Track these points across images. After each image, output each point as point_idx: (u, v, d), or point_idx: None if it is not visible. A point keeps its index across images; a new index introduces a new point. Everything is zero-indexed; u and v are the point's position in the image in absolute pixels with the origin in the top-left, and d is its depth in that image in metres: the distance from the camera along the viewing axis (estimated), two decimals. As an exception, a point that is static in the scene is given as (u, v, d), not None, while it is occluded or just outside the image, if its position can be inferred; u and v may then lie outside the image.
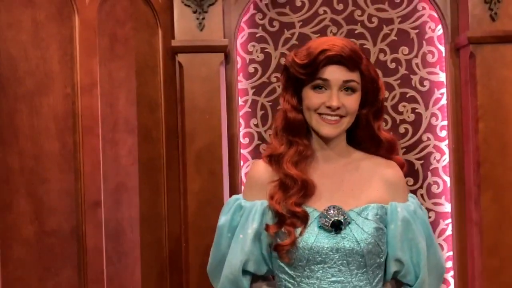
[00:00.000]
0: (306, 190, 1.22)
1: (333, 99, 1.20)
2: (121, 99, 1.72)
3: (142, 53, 1.81)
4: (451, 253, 1.95)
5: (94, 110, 1.61)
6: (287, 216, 1.20)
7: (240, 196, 1.34)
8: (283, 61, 1.97)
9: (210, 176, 1.83)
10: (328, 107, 1.21)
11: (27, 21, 1.50)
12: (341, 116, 1.22)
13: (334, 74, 1.20)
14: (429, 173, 1.96)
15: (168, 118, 1.87)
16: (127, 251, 1.74)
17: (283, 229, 1.21)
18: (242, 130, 1.96)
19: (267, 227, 1.23)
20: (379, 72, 1.93)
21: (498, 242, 1.79)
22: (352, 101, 1.22)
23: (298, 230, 1.20)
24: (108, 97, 1.66)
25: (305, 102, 1.24)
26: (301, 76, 1.22)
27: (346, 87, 1.22)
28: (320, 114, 1.22)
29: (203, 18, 1.83)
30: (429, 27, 1.96)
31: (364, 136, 1.30)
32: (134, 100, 1.76)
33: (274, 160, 1.27)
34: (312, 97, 1.22)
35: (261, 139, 1.97)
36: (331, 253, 1.19)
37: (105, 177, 1.64)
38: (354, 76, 1.22)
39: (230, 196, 1.87)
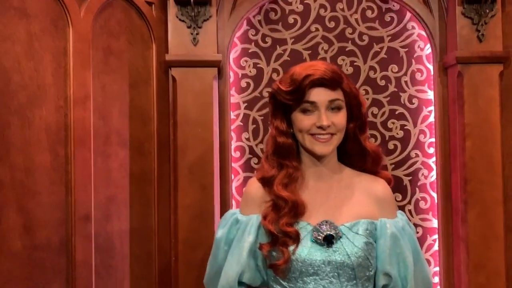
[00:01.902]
0: (297, 210, 1.27)
1: (323, 118, 1.26)
2: (114, 112, 1.72)
3: (136, 67, 1.81)
4: (437, 268, 1.97)
5: (87, 123, 1.60)
6: (279, 236, 1.25)
7: (237, 210, 1.39)
8: (275, 76, 2.00)
9: (202, 189, 1.83)
10: (319, 127, 1.27)
11: (22, 33, 1.50)
12: (332, 134, 1.29)
13: (320, 96, 1.27)
14: (417, 189, 1.99)
15: (161, 131, 1.87)
16: (117, 264, 1.73)
17: (276, 248, 1.25)
18: (233, 144, 1.98)
19: (260, 247, 1.28)
20: (368, 88, 2.00)
21: (484, 258, 1.83)
22: (340, 118, 1.29)
23: (291, 248, 1.25)
24: (101, 110, 1.66)
25: (296, 125, 1.30)
26: (289, 102, 1.29)
27: (333, 106, 1.28)
28: (312, 134, 1.28)
29: (197, 33, 1.85)
30: (418, 46, 2.01)
31: (352, 149, 1.36)
32: (126, 113, 1.76)
33: (265, 182, 1.33)
34: (302, 120, 1.29)
35: (252, 152, 1.98)
36: (323, 265, 1.24)
37: (95, 190, 1.63)
38: (338, 94, 1.29)
39: (221, 209, 1.88)
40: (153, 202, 1.84)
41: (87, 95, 1.61)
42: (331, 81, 1.26)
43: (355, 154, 1.36)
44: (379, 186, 1.35)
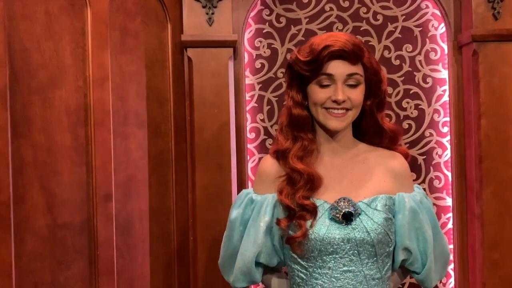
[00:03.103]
0: (313, 183, 1.25)
1: (339, 93, 1.22)
2: (131, 92, 1.71)
3: (152, 47, 1.81)
4: (451, 246, 1.99)
5: (106, 104, 1.60)
6: (296, 210, 1.23)
7: (250, 190, 1.36)
8: (289, 56, 1.99)
9: (218, 170, 1.84)
10: (334, 101, 1.23)
11: (41, 13, 1.49)
12: (347, 109, 1.25)
13: (338, 68, 1.23)
14: (431, 168, 2.01)
15: (177, 112, 1.88)
16: (137, 244, 1.74)
17: (294, 222, 1.23)
18: (248, 125, 1.98)
19: (278, 221, 1.26)
20: (383, 68, 1.98)
21: (498, 236, 1.85)
22: (357, 94, 1.25)
23: (309, 222, 1.23)
24: (119, 91, 1.66)
25: (311, 98, 1.26)
26: (306, 73, 1.25)
27: (351, 81, 1.24)
28: (326, 108, 1.25)
29: (212, 13, 1.84)
30: (432, 25, 2.00)
31: (368, 127, 1.33)
32: (143, 94, 1.75)
33: (280, 155, 1.30)
34: (318, 93, 1.25)
35: (267, 133, 1.99)
36: (342, 243, 1.22)
37: (115, 170, 1.64)
38: (357, 69, 1.24)
39: (238, 190, 1.90)
40: (171, 183, 1.85)
41: (106, 75, 1.60)
42: (351, 54, 1.21)
43: (371, 132, 1.33)
44: (396, 161, 1.33)
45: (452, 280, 1.99)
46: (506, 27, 1.84)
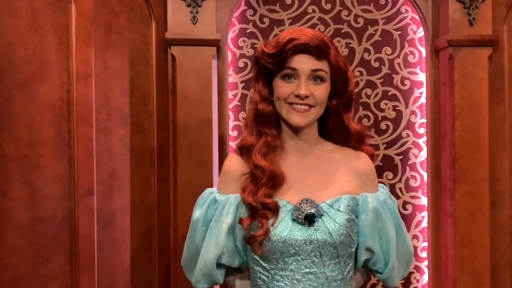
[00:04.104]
0: (275, 180, 1.22)
1: (301, 87, 1.20)
2: (115, 89, 1.73)
3: (136, 45, 1.83)
4: (425, 244, 2.06)
5: (89, 99, 1.62)
6: (259, 208, 1.21)
7: (214, 189, 1.34)
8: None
9: (200, 167, 1.87)
10: (297, 96, 1.21)
11: (25, 8, 1.50)
12: (310, 106, 1.22)
13: (302, 63, 1.20)
14: (407, 167, 2.07)
15: (160, 109, 1.90)
16: (118, 239, 1.76)
17: (256, 221, 1.21)
18: (231, 123, 2.02)
19: (240, 220, 1.23)
20: (362, 70, 2.05)
21: (470, 233, 1.92)
22: (320, 91, 1.22)
23: (270, 221, 1.21)
24: (102, 87, 1.67)
25: (275, 92, 1.24)
26: (270, 66, 1.23)
27: (315, 76, 1.22)
28: (290, 103, 1.22)
29: (196, 12, 1.87)
30: (411, 29, 2.06)
31: (334, 127, 1.31)
32: (127, 90, 1.77)
33: (245, 151, 1.28)
34: (281, 87, 1.23)
35: (249, 132, 2.02)
36: (304, 245, 1.20)
37: (98, 166, 1.65)
38: (322, 65, 1.21)
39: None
40: (153, 179, 1.87)
41: (89, 71, 1.62)
42: (316, 49, 1.18)
43: (337, 132, 1.32)
44: (361, 161, 1.31)
45: (425, 276, 2.06)
46: (481, 33, 1.91)
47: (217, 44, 1.89)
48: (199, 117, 1.87)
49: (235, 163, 1.30)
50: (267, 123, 1.26)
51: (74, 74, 1.59)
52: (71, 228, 1.59)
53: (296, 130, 1.27)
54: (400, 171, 2.06)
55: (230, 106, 2.01)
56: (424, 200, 2.06)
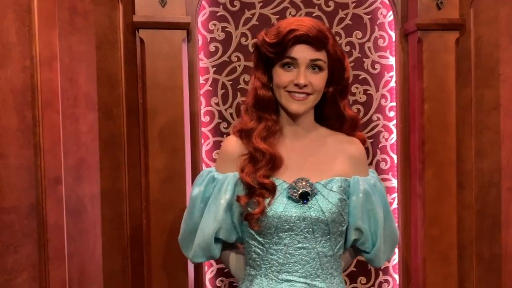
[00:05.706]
0: (274, 163, 1.30)
1: (301, 77, 1.27)
2: (81, 74, 1.68)
3: (102, 28, 1.77)
4: (396, 225, 2.10)
5: (54, 84, 1.56)
6: (256, 188, 1.28)
7: (212, 168, 1.40)
8: (244, 40, 2.01)
9: (172, 153, 1.84)
10: (296, 85, 1.28)
11: (-18, -11, 1.43)
12: (308, 94, 1.30)
13: (302, 53, 1.27)
14: (378, 150, 2.10)
15: (129, 94, 1.86)
16: (88, 227, 1.73)
17: (253, 200, 1.28)
18: (203, 108, 1.99)
19: (238, 198, 1.30)
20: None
21: (438, 214, 1.97)
22: (318, 79, 1.29)
23: (267, 200, 1.28)
24: (67, 72, 1.62)
25: (274, 80, 1.31)
26: (271, 55, 1.29)
27: (313, 66, 1.29)
28: (289, 91, 1.29)
29: (165, -6, 1.82)
30: (381, 13, 2.07)
31: (330, 113, 1.39)
32: (94, 75, 1.72)
33: (244, 134, 1.34)
34: (281, 75, 1.29)
35: (222, 117, 2.00)
36: (298, 221, 1.27)
37: (65, 153, 1.61)
38: (321, 55, 1.29)
39: (192, 173, 1.91)
40: (124, 166, 1.84)
41: (54, 55, 1.56)
42: (315, 40, 1.25)
43: (332, 118, 1.39)
44: (353, 146, 1.39)
45: (396, 256, 2.10)
46: (448, 17, 1.94)
47: (186, 28, 1.85)
48: (169, 103, 1.83)
49: (233, 144, 1.35)
50: (267, 109, 1.32)
51: (37, 58, 1.54)
52: (39, 217, 1.56)
53: (294, 117, 1.33)
54: (371, 154, 2.09)
55: (202, 91, 1.99)
56: (394, 182, 2.10)
